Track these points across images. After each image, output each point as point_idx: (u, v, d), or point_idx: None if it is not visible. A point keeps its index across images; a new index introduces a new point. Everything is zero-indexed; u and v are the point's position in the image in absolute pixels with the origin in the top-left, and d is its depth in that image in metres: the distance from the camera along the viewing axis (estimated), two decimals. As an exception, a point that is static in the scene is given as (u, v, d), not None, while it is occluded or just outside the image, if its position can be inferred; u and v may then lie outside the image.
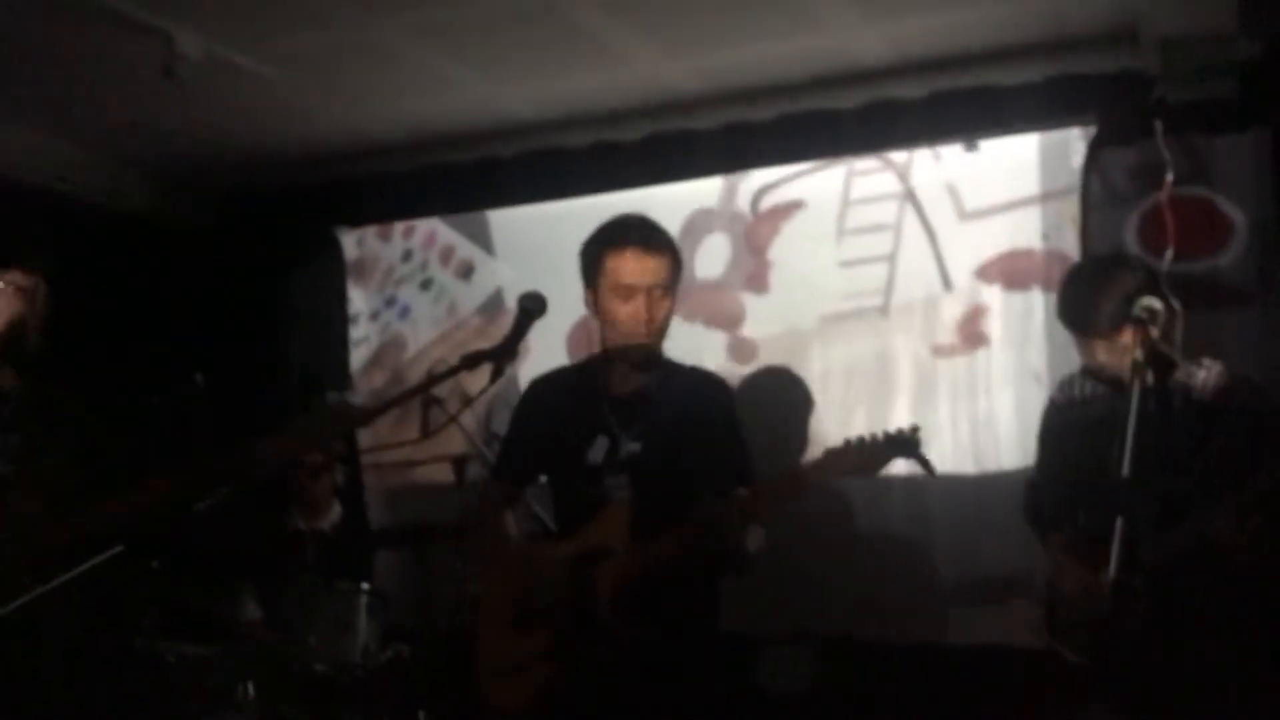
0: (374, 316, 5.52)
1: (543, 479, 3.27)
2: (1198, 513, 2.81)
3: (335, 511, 4.71)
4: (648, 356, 3.04)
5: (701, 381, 3.18)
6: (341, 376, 5.37)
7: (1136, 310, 2.87)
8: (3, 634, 2.66)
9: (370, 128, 4.98)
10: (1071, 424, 3.20)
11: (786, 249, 4.72)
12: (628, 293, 2.97)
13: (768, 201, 4.78)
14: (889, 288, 4.54)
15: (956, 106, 4.31)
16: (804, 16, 3.98)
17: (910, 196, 4.53)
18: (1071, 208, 4.23)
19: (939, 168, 4.49)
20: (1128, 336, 2.90)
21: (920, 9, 3.93)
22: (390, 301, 5.49)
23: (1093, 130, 4.19)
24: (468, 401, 2.89)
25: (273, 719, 3.92)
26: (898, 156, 4.56)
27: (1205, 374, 2.95)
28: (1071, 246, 4.21)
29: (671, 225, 3.21)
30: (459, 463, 4.49)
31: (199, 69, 4.11)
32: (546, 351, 4.44)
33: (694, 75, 4.46)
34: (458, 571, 4.06)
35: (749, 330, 4.76)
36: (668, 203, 4.40)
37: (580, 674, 2.86)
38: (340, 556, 4.46)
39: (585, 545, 2.94)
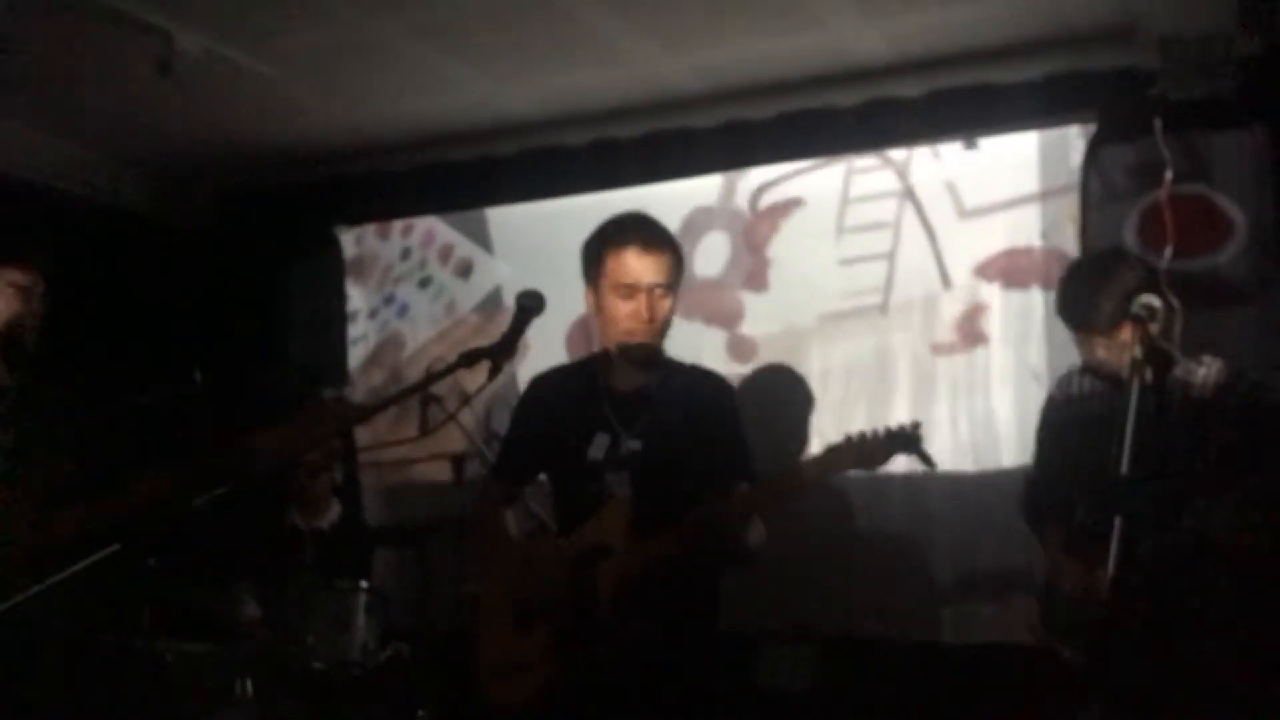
0: (372, 314, 5.52)
1: (542, 477, 3.26)
2: (1196, 510, 2.81)
3: (334, 510, 4.72)
4: (648, 355, 3.04)
5: (702, 380, 3.17)
6: (340, 374, 5.37)
7: (1136, 308, 2.87)
8: (0, 632, 2.66)
9: (369, 126, 4.97)
10: (1070, 421, 3.20)
11: (786, 247, 4.72)
12: (629, 291, 2.96)
13: (767, 199, 4.78)
14: (888, 286, 4.54)
15: (956, 104, 4.30)
16: (803, 14, 3.98)
17: (909, 194, 4.53)
18: (1071, 206, 4.23)
19: (938, 166, 4.49)
20: (1127, 334, 2.91)
21: (919, 7, 3.93)
22: (389, 299, 5.48)
23: (1092, 128, 4.19)
24: (466, 399, 2.89)
25: (271, 717, 3.92)
26: (897, 154, 4.55)
27: (1204, 371, 2.95)
28: (1071, 244, 4.20)
29: (671, 223, 3.20)
30: (458, 461, 4.49)
31: (198, 67, 4.11)
32: (545, 349, 4.45)
33: (693, 73, 4.46)
34: (457, 571, 4.06)
35: (748, 328, 4.76)
36: (667, 201, 4.40)
37: (580, 673, 2.86)
38: (339, 555, 4.47)
39: (585, 544, 2.94)
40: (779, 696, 4.25)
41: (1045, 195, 4.31)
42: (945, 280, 4.45)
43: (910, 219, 4.52)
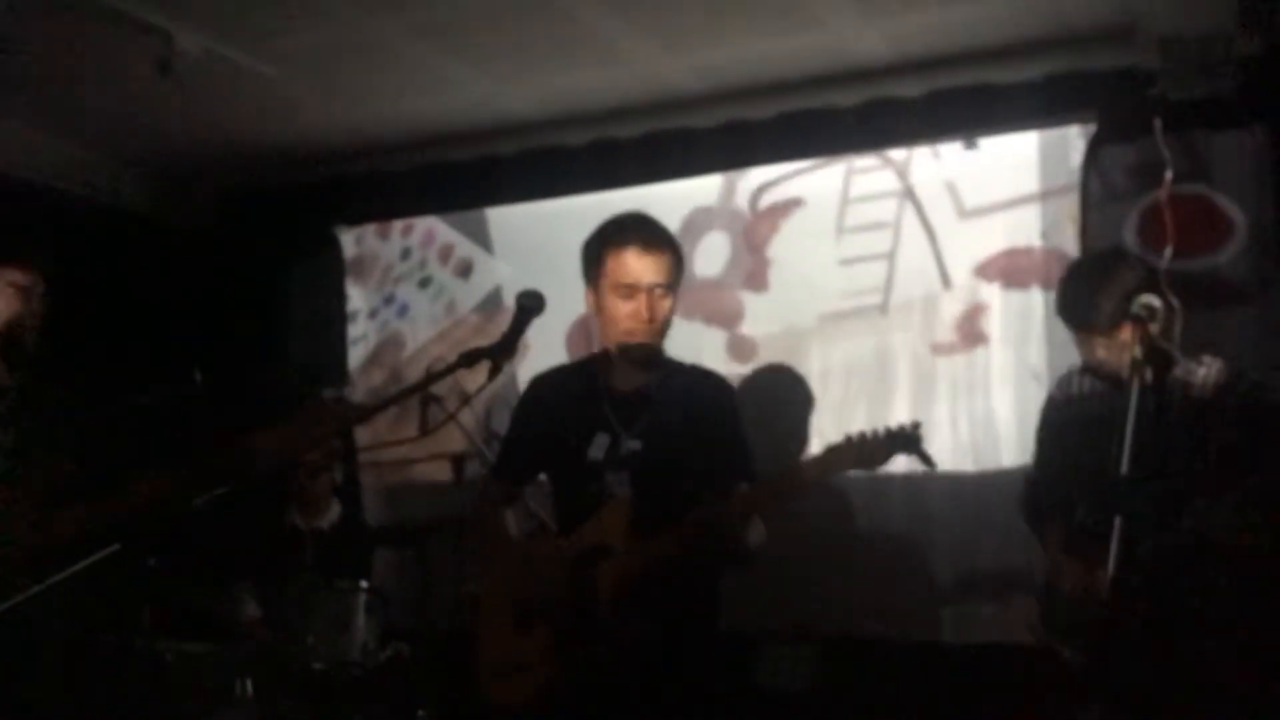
0: (372, 314, 5.52)
1: (542, 477, 3.26)
2: (1196, 510, 2.81)
3: (334, 510, 4.72)
4: (649, 355, 3.04)
5: (702, 380, 3.17)
6: (340, 374, 5.37)
7: (1136, 307, 2.87)
8: (1, 632, 2.66)
9: (369, 126, 4.97)
10: (1070, 420, 3.20)
11: (786, 247, 4.72)
12: (629, 291, 2.96)
13: (767, 199, 4.78)
14: (888, 286, 4.54)
15: (956, 104, 4.30)
16: (803, 14, 3.98)
17: (909, 194, 4.53)
18: (1071, 206, 4.23)
19: (938, 166, 4.49)
20: (1127, 333, 2.91)
21: (919, 7, 3.93)
22: (389, 299, 5.48)
23: (1092, 128, 4.19)
24: (466, 399, 2.89)
25: (271, 717, 3.92)
26: (897, 154, 4.55)
27: (1204, 371, 2.95)
28: (1071, 244, 4.20)
29: (670, 223, 3.20)
30: (457, 461, 4.49)
31: (198, 67, 4.11)
32: (545, 349, 4.45)
33: (693, 73, 4.46)
34: (457, 571, 4.06)
35: (748, 328, 4.76)
36: (667, 201, 4.40)
37: (580, 673, 2.86)
38: (339, 555, 4.47)
39: (585, 544, 2.94)
40: (779, 696, 4.25)
41: (1045, 195, 4.31)
42: (945, 280, 4.45)
43: (910, 219, 4.52)
